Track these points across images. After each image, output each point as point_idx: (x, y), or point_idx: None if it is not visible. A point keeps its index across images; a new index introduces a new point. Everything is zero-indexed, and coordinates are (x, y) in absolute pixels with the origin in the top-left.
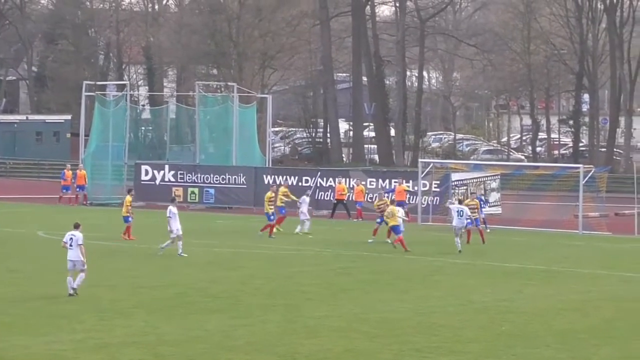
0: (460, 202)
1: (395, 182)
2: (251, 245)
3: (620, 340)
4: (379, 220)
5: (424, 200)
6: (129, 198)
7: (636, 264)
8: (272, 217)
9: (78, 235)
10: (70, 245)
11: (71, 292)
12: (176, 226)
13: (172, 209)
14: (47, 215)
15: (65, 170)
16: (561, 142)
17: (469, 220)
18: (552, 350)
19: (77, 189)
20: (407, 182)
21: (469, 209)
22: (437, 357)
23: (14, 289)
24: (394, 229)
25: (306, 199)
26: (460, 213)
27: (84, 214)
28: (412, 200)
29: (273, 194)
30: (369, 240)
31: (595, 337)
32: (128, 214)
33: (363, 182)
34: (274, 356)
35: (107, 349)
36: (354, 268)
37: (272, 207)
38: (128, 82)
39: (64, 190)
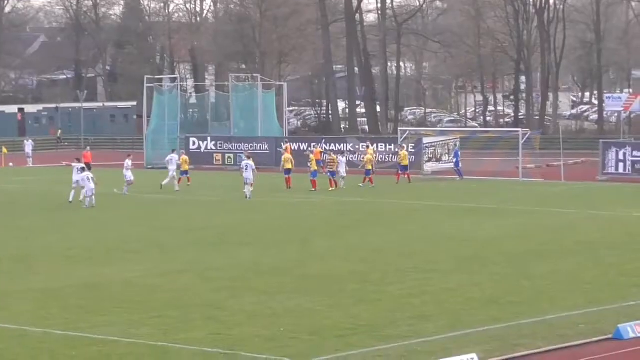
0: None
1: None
2: (269, 195)
3: (551, 258)
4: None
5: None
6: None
7: (562, 202)
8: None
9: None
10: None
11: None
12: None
13: (247, 162)
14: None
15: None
16: (505, 113)
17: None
18: (501, 267)
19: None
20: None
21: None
22: (415, 275)
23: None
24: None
25: (342, 159)
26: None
27: (144, 175)
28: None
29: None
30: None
31: (533, 257)
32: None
33: (365, 145)
34: (292, 277)
35: (168, 275)
36: (351, 211)
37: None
38: (178, 76)
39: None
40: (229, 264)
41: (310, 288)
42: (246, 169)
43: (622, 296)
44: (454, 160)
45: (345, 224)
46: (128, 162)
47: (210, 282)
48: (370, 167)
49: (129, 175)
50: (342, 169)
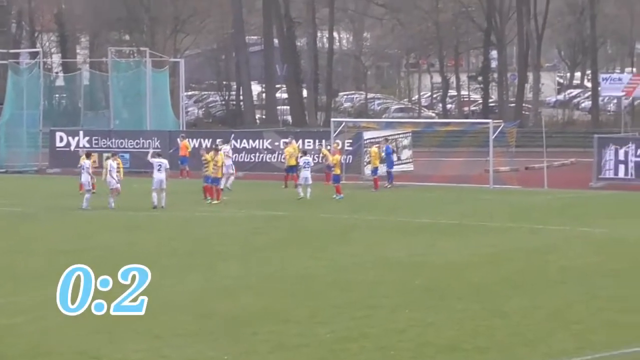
0: (305, 153)
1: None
2: (167, 208)
3: (530, 290)
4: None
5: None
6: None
7: (545, 216)
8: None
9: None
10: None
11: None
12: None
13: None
14: None
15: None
16: (471, 99)
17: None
18: (464, 302)
19: (180, 162)
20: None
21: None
22: (353, 312)
23: None
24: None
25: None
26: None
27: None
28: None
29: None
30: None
31: (507, 289)
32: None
33: (276, 143)
34: (190, 316)
35: (26, 313)
36: (269, 228)
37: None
38: (41, 49)
39: (182, 164)
40: None
41: (214, 330)
42: (159, 169)
43: (623, 339)
44: (386, 159)
45: (261, 245)
46: (112, 164)
47: (82, 323)
48: (339, 171)
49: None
50: (307, 174)
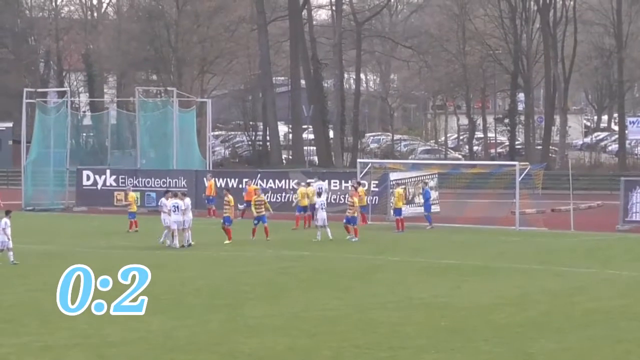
0: (319, 194)
1: (311, 181)
2: (193, 247)
3: (556, 333)
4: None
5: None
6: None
7: (571, 258)
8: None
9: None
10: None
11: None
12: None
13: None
14: None
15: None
16: (498, 141)
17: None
18: (490, 344)
19: (207, 202)
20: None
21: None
22: (377, 353)
23: None
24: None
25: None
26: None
27: (23, 219)
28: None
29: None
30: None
31: (533, 331)
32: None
33: (303, 183)
34: (215, 355)
35: (51, 351)
36: (294, 268)
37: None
38: (69, 89)
39: (209, 203)
40: (133, 337)
41: None
42: (185, 210)
43: None
44: (425, 202)
45: (286, 285)
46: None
47: None
48: (354, 213)
49: (167, 219)
50: (322, 215)
